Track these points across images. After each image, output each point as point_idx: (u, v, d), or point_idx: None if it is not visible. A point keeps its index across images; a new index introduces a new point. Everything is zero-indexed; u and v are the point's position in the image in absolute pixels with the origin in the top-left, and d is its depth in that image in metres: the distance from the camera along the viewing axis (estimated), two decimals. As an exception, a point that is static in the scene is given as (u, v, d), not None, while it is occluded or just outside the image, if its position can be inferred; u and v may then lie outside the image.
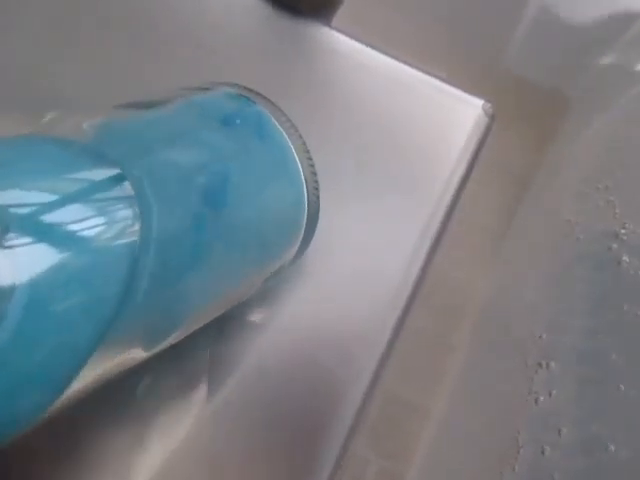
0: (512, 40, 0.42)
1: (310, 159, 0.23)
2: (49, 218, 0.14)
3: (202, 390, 0.24)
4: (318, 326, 0.27)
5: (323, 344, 0.27)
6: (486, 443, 0.27)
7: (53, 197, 0.14)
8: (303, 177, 0.22)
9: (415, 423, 0.36)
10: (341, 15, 0.33)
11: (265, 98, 0.23)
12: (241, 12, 0.33)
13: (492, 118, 0.32)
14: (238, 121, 0.22)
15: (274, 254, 0.23)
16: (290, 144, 0.22)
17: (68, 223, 0.14)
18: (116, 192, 0.16)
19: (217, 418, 0.24)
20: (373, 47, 0.33)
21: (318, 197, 0.23)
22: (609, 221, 0.25)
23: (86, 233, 0.15)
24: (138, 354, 0.18)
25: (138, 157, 0.17)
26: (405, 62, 0.33)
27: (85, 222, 0.15)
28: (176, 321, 0.19)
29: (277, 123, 0.22)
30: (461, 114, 0.32)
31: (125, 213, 0.16)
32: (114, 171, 0.16)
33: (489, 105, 0.32)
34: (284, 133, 0.22)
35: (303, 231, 0.23)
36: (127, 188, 0.16)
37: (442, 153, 0.31)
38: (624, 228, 0.23)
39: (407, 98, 0.32)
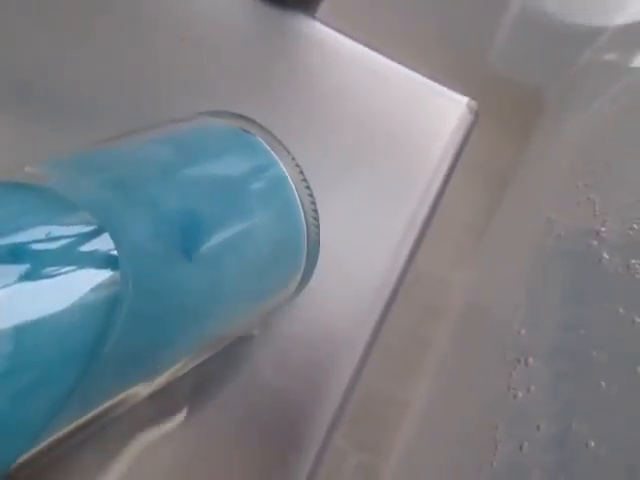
0: (496, 38, 0.43)
1: (310, 191, 0.21)
2: (23, 269, 0.13)
3: (184, 384, 0.24)
4: (299, 322, 0.27)
5: (304, 340, 0.27)
6: (464, 438, 0.27)
7: (28, 247, 0.14)
8: (302, 211, 0.21)
9: (393, 418, 0.36)
10: (326, 7, 0.33)
11: (261, 127, 0.22)
12: (225, 4, 0.32)
13: (476, 115, 0.32)
14: (231, 155, 0.20)
15: (269, 295, 0.22)
16: (288, 176, 0.21)
17: (45, 273, 0.14)
18: (93, 242, 0.15)
19: (198, 413, 0.24)
20: (358, 41, 0.32)
21: (318, 230, 0.22)
22: (589, 219, 0.25)
23: (65, 282, 0.14)
24: (138, 393, 0.18)
25: (116, 203, 0.16)
26: (390, 57, 0.33)
27: (63, 272, 0.14)
28: (167, 363, 0.18)
29: (273, 153, 0.21)
30: (445, 111, 0.32)
31: (102, 263, 0.15)
32: (92, 224, 0.15)
33: (473, 102, 0.32)
34: (280, 164, 0.21)
35: (302, 268, 0.22)
36: (105, 238, 0.15)
37: (426, 149, 0.31)
38: (604, 226, 0.23)
39: (391, 93, 0.32)
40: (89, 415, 0.16)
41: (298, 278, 0.22)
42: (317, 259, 0.23)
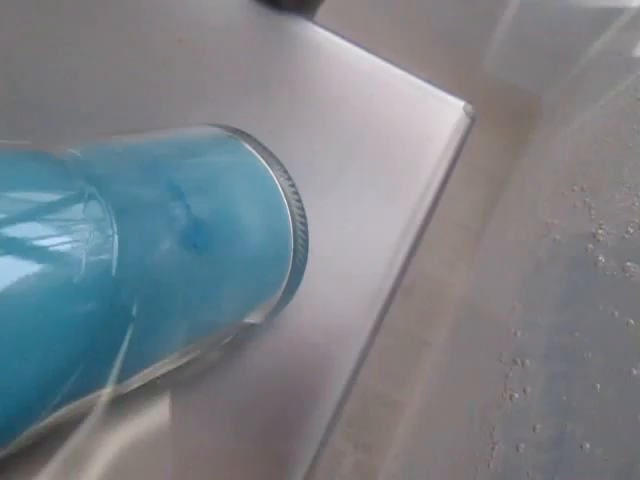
0: (493, 42, 0.43)
1: (299, 200, 0.21)
2: (12, 234, 0.13)
3: (184, 386, 0.24)
4: (298, 323, 0.27)
5: (303, 341, 0.27)
6: (461, 439, 0.27)
7: (23, 213, 0.14)
8: (290, 217, 0.21)
9: (391, 418, 0.36)
10: (325, 11, 0.33)
11: (252, 138, 0.22)
12: (224, 7, 0.32)
13: (473, 119, 0.32)
14: (222, 160, 0.21)
15: (252, 298, 0.21)
16: (277, 184, 0.21)
17: (35, 240, 0.14)
18: (91, 214, 0.15)
19: (198, 412, 0.24)
20: (357, 44, 0.33)
21: (306, 241, 0.22)
22: (585, 222, 0.25)
23: (55, 254, 0.14)
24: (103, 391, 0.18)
25: (118, 185, 0.16)
26: (388, 61, 0.33)
27: (55, 242, 0.14)
28: (142, 362, 0.18)
29: (265, 163, 0.21)
30: (442, 114, 0.32)
31: (99, 239, 0.15)
32: (89, 195, 0.15)
33: (470, 106, 0.32)
34: (271, 172, 0.21)
35: (288, 273, 0.22)
36: (104, 213, 0.15)
37: (423, 153, 0.31)
38: (601, 229, 0.24)
39: (389, 97, 0.32)
40: (71, 402, 0.16)
41: (286, 272, 0.22)
42: (306, 256, 0.23)
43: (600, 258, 0.23)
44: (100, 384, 0.16)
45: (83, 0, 0.30)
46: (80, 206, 0.15)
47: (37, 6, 0.30)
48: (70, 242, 0.14)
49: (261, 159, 0.21)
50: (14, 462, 0.21)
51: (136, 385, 0.20)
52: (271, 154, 0.22)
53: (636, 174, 0.25)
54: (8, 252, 0.13)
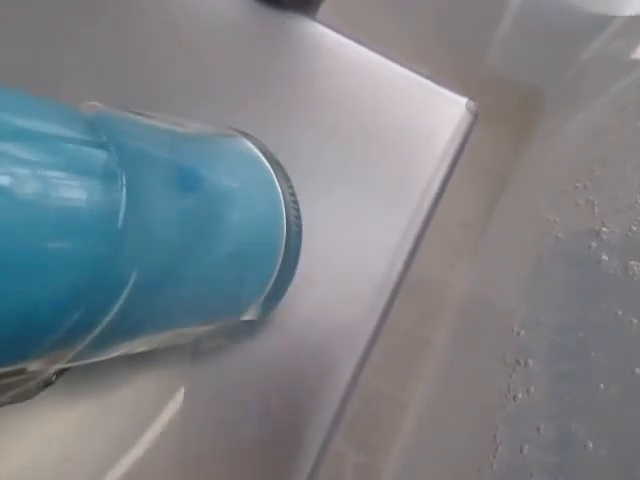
0: (495, 38, 0.43)
1: (294, 196, 0.22)
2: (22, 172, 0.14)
3: (186, 386, 0.24)
4: (299, 323, 0.27)
5: (304, 341, 0.27)
6: (464, 440, 0.27)
7: (40, 150, 0.14)
8: (284, 209, 0.22)
9: (393, 418, 0.36)
10: (327, 9, 0.33)
11: (254, 137, 0.22)
12: (224, 6, 0.32)
13: (475, 116, 0.32)
14: (222, 143, 0.21)
15: (248, 271, 0.22)
16: (276, 182, 0.22)
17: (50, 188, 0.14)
18: (103, 163, 0.15)
19: (200, 415, 0.24)
20: (358, 42, 0.32)
21: (300, 238, 0.22)
22: (589, 220, 0.25)
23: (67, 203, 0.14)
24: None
25: (130, 142, 0.17)
26: (390, 58, 0.32)
27: (66, 180, 0.14)
28: (143, 323, 0.18)
29: (265, 161, 0.22)
30: (445, 111, 0.32)
31: (108, 188, 0.15)
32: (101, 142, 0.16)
33: (472, 103, 0.32)
34: (271, 170, 0.22)
35: (277, 271, 0.22)
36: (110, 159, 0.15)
37: (425, 150, 0.31)
38: (604, 227, 0.23)
39: (391, 94, 0.32)
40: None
41: (279, 259, 0.22)
42: (297, 261, 0.23)
43: (603, 257, 0.23)
44: (99, 328, 0.17)
45: (84, 0, 0.30)
46: (94, 154, 0.16)
47: (37, 6, 0.30)
48: (80, 184, 0.15)
49: (256, 149, 0.22)
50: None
51: (141, 349, 0.20)
52: (269, 152, 0.22)
53: (639, 171, 0.25)
54: (18, 183, 0.13)
